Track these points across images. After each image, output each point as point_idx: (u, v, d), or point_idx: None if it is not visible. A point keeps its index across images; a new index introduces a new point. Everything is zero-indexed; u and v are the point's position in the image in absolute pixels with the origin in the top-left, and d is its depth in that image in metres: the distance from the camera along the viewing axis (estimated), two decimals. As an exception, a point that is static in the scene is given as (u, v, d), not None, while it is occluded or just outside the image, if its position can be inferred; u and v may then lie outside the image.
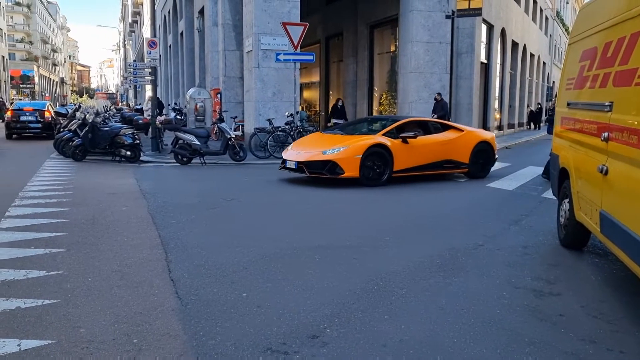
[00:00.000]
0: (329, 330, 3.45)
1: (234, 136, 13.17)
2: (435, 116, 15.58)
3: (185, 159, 12.71)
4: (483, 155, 11.05)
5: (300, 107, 17.72)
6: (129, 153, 13.01)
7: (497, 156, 11.60)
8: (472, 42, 19.59)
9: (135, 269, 4.66)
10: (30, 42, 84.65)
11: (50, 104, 22.95)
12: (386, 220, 7.01)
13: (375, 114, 22.69)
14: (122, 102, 60.11)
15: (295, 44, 13.16)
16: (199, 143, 12.55)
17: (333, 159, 9.51)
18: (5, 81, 63.21)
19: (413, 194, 9.18)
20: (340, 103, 19.03)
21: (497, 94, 25.14)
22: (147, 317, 3.60)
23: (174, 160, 12.87)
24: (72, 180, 9.81)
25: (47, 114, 20.60)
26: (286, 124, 14.23)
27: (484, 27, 21.56)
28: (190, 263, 4.81)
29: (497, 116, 25.69)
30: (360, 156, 9.50)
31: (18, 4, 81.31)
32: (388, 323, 3.59)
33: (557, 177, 6.04)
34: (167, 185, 9.87)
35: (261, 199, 8.36)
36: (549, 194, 8.30)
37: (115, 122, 17.40)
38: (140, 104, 40.55)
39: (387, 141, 9.84)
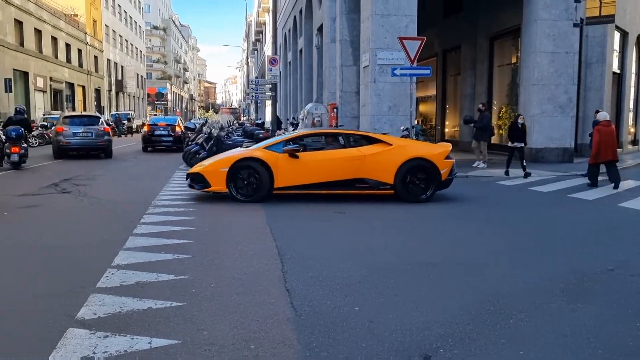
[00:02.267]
0: (442, 351, 3.37)
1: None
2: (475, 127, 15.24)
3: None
4: (419, 174, 9.07)
5: (415, 121, 17.56)
6: (249, 166, 13.60)
7: (452, 175, 9.36)
8: (603, 51, 18.31)
9: (254, 277, 4.87)
10: (165, 62, 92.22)
11: (180, 119, 24.76)
12: (503, 239, 6.72)
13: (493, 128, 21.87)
14: (244, 116, 63.28)
15: (412, 58, 13.10)
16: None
17: (200, 171, 9.22)
18: (142, 98, 69.26)
19: (532, 211, 8.71)
20: (520, 121, 13.49)
21: (631, 107, 23.23)
22: (263, 324, 3.75)
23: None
24: (197, 191, 10.47)
25: (177, 129, 22.26)
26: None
27: (616, 35, 20.07)
28: (305, 274, 4.94)
29: (632, 130, 23.71)
30: (227, 169, 8.91)
31: (156, 27, 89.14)
32: (505, 348, 3.44)
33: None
34: (284, 196, 10.20)
35: (371, 212, 8.37)
36: (693, 217, 7.50)
37: (238, 136, 18.37)
38: (260, 119, 42.47)
39: (262, 154, 9.06)
